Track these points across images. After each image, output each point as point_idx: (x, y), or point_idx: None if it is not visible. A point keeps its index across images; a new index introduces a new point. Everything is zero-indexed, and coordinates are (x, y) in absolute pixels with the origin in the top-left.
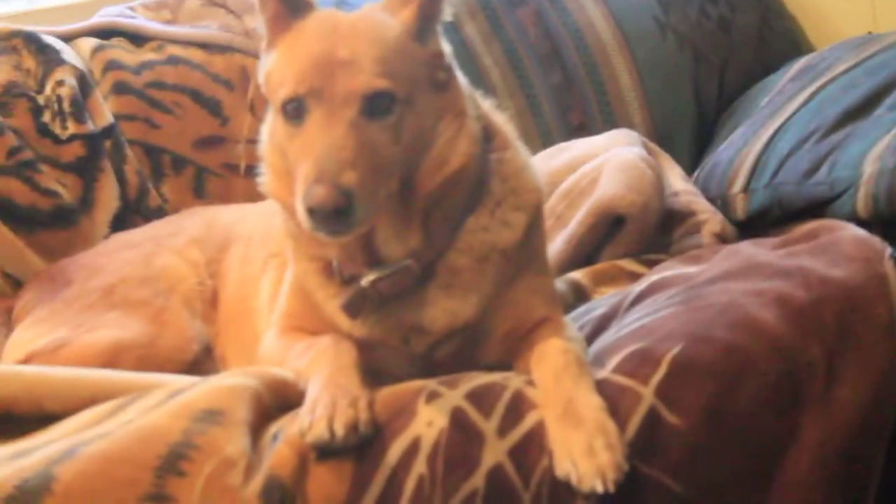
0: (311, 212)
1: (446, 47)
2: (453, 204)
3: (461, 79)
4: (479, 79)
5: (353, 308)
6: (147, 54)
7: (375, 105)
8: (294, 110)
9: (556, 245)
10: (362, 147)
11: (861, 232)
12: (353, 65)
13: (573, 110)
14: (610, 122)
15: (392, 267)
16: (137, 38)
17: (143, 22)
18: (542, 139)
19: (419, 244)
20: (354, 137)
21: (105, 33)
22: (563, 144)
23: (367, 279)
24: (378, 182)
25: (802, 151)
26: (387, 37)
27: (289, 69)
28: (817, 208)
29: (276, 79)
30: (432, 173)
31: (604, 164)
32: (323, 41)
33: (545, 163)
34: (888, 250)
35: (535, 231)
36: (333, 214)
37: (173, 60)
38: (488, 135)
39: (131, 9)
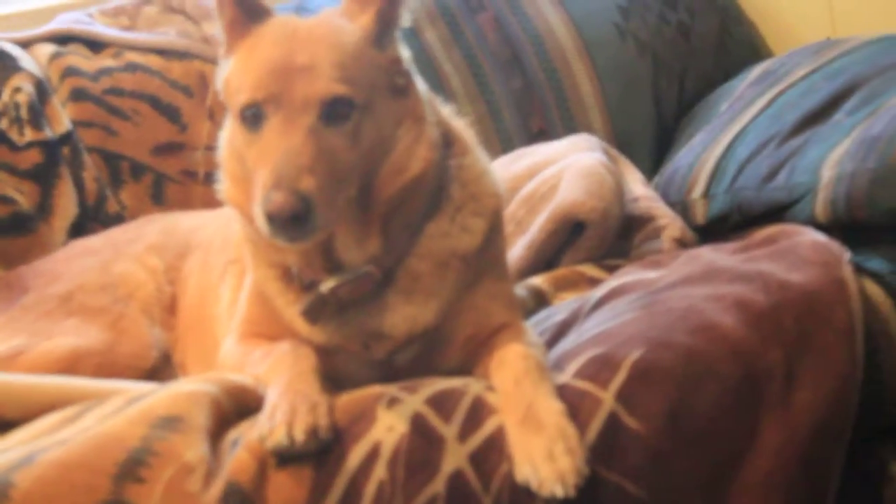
0: (270, 218)
1: (405, 53)
2: (413, 210)
3: (420, 84)
4: (440, 85)
5: (312, 314)
6: (105, 61)
7: (334, 111)
8: (252, 116)
9: (517, 251)
10: (320, 153)
11: (820, 236)
12: (312, 71)
13: (533, 116)
14: (570, 128)
15: (352, 273)
16: (95, 45)
17: (101, 28)
18: (502, 145)
19: (379, 250)
20: (312, 143)
21: (63, 40)
22: (523, 150)
23: (326, 285)
24: (337, 188)
25: (762, 157)
26: (345, 42)
27: (247, 75)
28: (776, 213)
29: (234, 85)
30: (392, 179)
31: (564, 170)
32: (281, 47)
33: (505, 168)
34: (846, 255)
35: (494, 237)
36: (292, 220)
37: (131, 67)
38: (448, 141)
39: (89, 15)
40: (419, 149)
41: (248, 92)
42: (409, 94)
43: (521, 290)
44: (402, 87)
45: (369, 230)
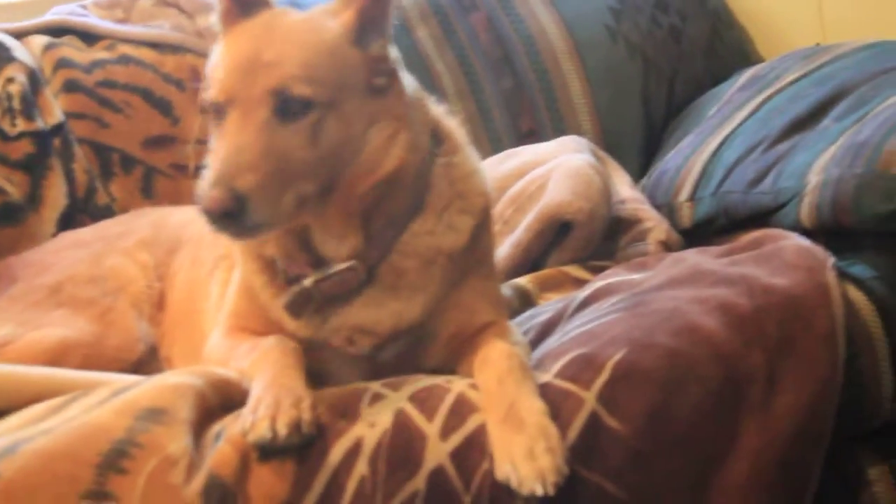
0: (205, 213)
1: (394, 52)
2: (395, 207)
3: (410, 83)
4: (431, 83)
5: (295, 308)
6: (98, 53)
7: (289, 108)
8: (217, 110)
9: (504, 250)
10: (270, 150)
11: (804, 241)
12: (273, 67)
13: (523, 116)
14: (559, 129)
15: (336, 268)
16: (89, 37)
17: (95, 20)
18: (492, 144)
19: (361, 246)
20: (262, 140)
21: (57, 31)
22: (512, 150)
23: (309, 279)
24: (285, 186)
25: (749, 161)
26: (317, 40)
27: (218, 69)
28: (762, 217)
29: (209, 78)
30: (363, 178)
31: (552, 170)
32: (253, 42)
33: (494, 168)
34: (830, 260)
35: (482, 235)
36: (225, 217)
37: (124, 59)
38: (438, 139)
39: (84, 7)
40: (393, 149)
41: (215, 86)
42: (390, 94)
43: (506, 289)
44: (382, 86)
45: (348, 226)
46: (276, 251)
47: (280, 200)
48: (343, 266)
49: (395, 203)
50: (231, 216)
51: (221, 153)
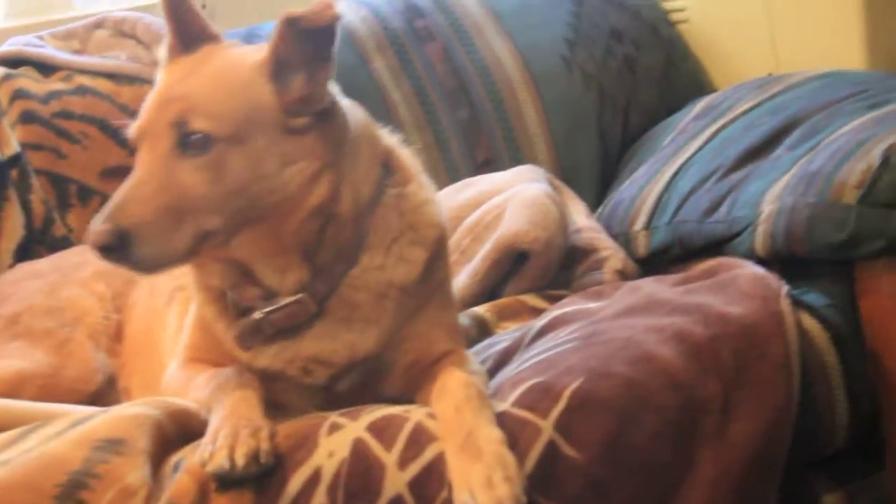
0: (91, 247)
1: (331, 90)
2: (340, 241)
3: (359, 114)
4: (388, 114)
5: (245, 339)
6: (55, 84)
7: (189, 141)
8: (133, 145)
9: (461, 279)
10: (167, 184)
11: (759, 270)
12: (178, 100)
13: (480, 146)
14: (516, 159)
15: (284, 301)
16: (46, 68)
17: (52, 51)
18: (448, 174)
19: (307, 279)
20: (161, 174)
21: (13, 62)
22: (469, 180)
23: (259, 311)
24: (181, 221)
25: (703, 190)
26: (228, 75)
27: (143, 105)
28: (717, 246)
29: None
30: (287, 215)
31: (509, 200)
32: (173, 77)
33: (451, 197)
34: (784, 288)
35: (437, 266)
36: (109, 252)
37: (81, 90)
38: (390, 170)
39: (40, 38)
40: (316, 188)
41: (135, 122)
42: (314, 133)
43: (464, 318)
44: (300, 127)
45: (288, 260)
46: (222, 283)
47: (173, 236)
48: (291, 299)
49: (340, 237)
50: (114, 251)
51: (122, 188)
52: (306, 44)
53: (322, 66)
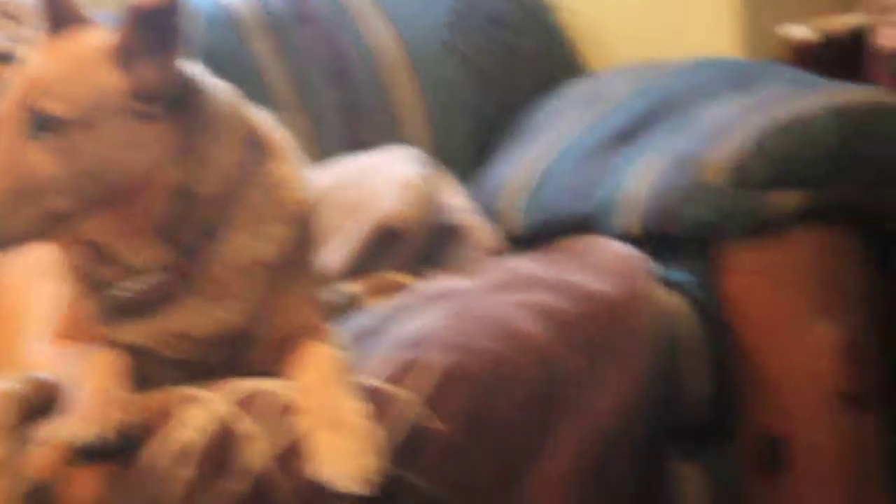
0: None
1: (188, 73)
2: (204, 220)
3: (225, 92)
4: (265, 94)
5: (108, 315)
6: None
7: (40, 123)
8: None
9: (332, 257)
10: (14, 165)
11: (624, 247)
12: (30, 83)
13: (357, 128)
14: (392, 140)
15: (145, 277)
16: None
17: None
18: (325, 155)
19: (167, 257)
20: (9, 155)
21: None
22: (343, 159)
23: (118, 289)
24: (28, 202)
25: (575, 170)
26: (79, 58)
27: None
28: (588, 225)
29: None
30: (137, 199)
31: (381, 180)
32: (33, 59)
33: (323, 176)
34: (648, 264)
35: (303, 242)
36: None
37: None
38: (259, 150)
39: None
40: (169, 172)
41: None
42: (163, 118)
43: (334, 294)
44: (151, 112)
45: (145, 241)
46: (83, 261)
47: (17, 216)
48: (152, 276)
49: (203, 217)
50: None
51: None
52: (151, 30)
53: (170, 52)
